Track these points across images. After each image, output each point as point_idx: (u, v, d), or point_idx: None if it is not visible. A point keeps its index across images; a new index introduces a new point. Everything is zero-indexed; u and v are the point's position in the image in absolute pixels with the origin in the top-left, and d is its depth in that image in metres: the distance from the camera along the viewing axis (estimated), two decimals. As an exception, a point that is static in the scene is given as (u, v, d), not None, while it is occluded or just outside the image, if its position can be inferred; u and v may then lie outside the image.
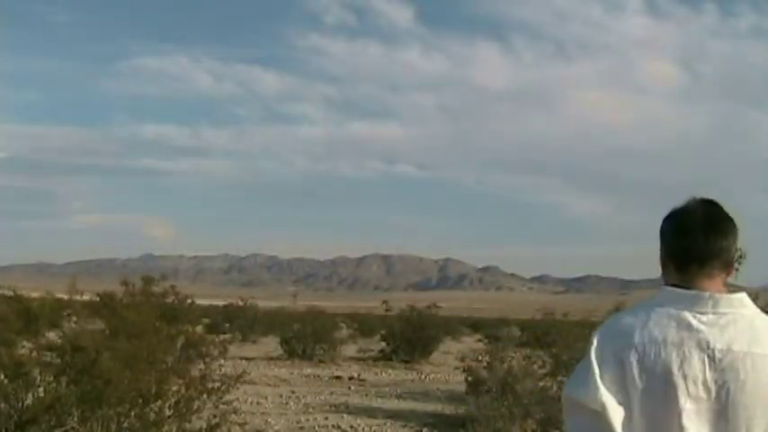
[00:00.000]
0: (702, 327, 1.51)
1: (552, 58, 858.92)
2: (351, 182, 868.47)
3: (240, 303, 30.73)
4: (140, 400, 6.15)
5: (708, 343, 1.50)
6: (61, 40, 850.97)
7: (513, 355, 12.38)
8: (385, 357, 21.42)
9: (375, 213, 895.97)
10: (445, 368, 19.85)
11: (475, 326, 49.38)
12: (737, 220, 1.67)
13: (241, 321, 29.07)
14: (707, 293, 1.55)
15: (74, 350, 6.35)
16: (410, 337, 21.35)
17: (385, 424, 10.87)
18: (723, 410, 1.47)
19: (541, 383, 10.00)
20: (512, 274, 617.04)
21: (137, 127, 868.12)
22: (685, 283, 1.59)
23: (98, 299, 8.04)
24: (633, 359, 1.50)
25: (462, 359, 14.20)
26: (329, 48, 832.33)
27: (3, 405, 6.27)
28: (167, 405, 6.30)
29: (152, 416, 6.25)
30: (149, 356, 6.25)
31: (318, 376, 17.48)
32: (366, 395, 14.29)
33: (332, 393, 14.27)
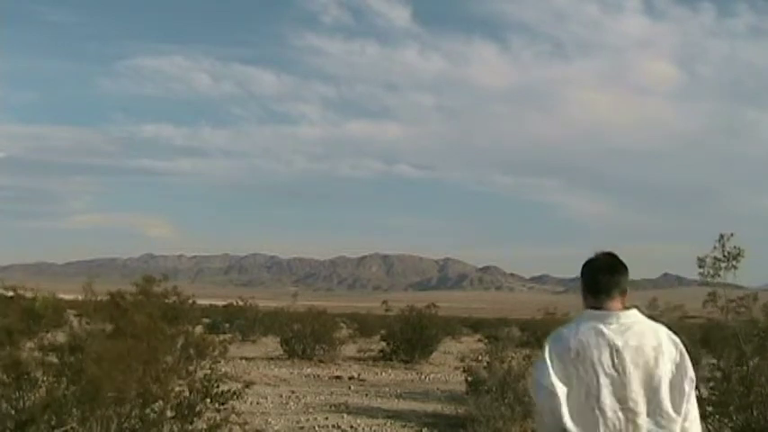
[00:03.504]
0: (610, 333, 2.60)
1: (550, 58, 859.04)
2: (350, 182, 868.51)
3: (240, 303, 30.71)
4: (141, 401, 6.15)
5: (613, 342, 2.58)
6: (61, 40, 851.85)
7: (513, 355, 12.37)
8: (385, 357, 21.41)
9: (375, 213, 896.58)
10: (445, 368, 19.85)
11: (475, 326, 49.38)
12: (629, 264, 2.78)
13: (241, 321, 29.04)
14: (612, 312, 2.66)
15: (71, 350, 6.35)
16: (410, 337, 21.32)
17: (385, 424, 10.88)
18: (626, 381, 2.55)
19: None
20: (512, 274, 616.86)
21: (135, 127, 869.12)
22: (599, 305, 2.70)
23: (109, 298, 7.95)
24: (571, 353, 2.58)
25: (462, 359, 14.21)
26: (327, 47, 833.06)
27: (3, 405, 6.27)
28: (169, 406, 6.29)
29: (153, 416, 6.25)
30: (150, 357, 6.24)
31: (318, 376, 17.48)
32: (366, 395, 14.29)
33: (332, 393, 14.27)
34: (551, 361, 2.58)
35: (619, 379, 2.55)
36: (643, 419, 2.54)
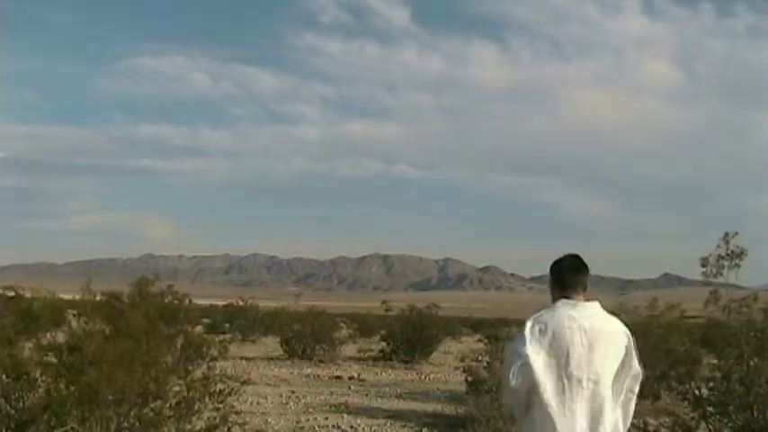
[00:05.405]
0: (579, 317, 3.26)
1: (550, 58, 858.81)
2: (350, 182, 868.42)
3: (240, 303, 30.70)
4: (140, 401, 6.14)
5: (582, 325, 3.24)
6: (60, 40, 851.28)
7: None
8: (385, 357, 21.40)
9: (375, 213, 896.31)
10: (445, 368, 19.85)
11: (475, 326, 49.34)
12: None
13: (241, 321, 29.04)
14: (580, 302, 3.34)
15: (70, 350, 6.33)
16: (410, 337, 21.31)
17: (385, 424, 10.87)
18: (591, 356, 3.22)
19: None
20: (512, 274, 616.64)
21: (135, 127, 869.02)
22: (567, 297, 3.36)
23: (105, 299, 7.90)
24: (549, 332, 3.22)
25: (462, 359, 14.19)
26: (326, 48, 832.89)
27: (3, 405, 6.26)
28: (167, 406, 6.28)
29: (151, 416, 6.24)
30: (147, 357, 6.23)
31: (318, 376, 17.48)
32: (366, 395, 14.28)
33: (332, 393, 14.26)
34: (531, 335, 3.21)
35: (585, 355, 3.21)
36: (598, 388, 3.20)
